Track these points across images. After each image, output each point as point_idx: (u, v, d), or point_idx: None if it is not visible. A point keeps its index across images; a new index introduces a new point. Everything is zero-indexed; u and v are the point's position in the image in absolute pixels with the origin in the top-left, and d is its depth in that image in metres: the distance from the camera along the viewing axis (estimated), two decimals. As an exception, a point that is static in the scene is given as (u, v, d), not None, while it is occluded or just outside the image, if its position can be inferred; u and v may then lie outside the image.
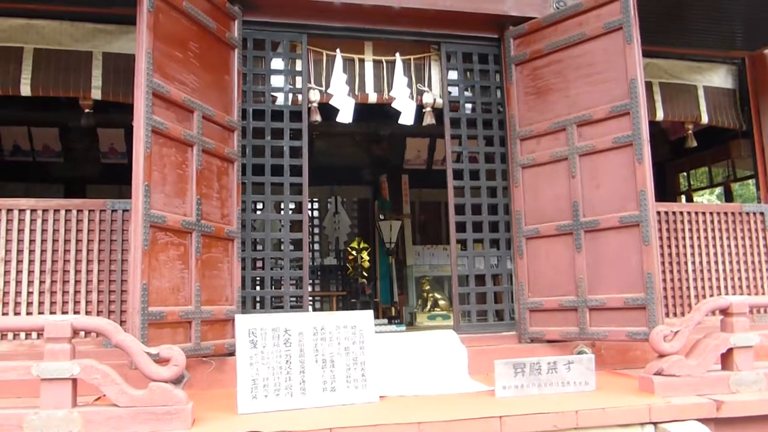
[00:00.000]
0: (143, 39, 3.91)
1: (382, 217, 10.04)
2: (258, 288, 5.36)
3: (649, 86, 5.88)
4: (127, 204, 4.35)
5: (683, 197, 9.80)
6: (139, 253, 3.72)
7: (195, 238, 4.21)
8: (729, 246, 5.86)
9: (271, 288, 5.02)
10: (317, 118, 5.30)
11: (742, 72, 6.26)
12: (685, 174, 9.76)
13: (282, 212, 5.18)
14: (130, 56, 4.41)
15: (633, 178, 4.49)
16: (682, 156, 8.87)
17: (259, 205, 5.36)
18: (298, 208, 5.26)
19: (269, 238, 5.00)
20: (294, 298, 5.12)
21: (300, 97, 5.17)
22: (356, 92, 5.38)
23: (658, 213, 5.44)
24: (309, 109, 5.22)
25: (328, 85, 5.29)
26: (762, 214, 5.97)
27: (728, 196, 9.30)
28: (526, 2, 5.32)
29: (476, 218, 5.38)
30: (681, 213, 5.78)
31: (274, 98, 5.17)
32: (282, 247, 5.08)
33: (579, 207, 4.78)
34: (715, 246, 5.82)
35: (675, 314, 5.55)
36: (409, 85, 5.45)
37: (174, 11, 4.21)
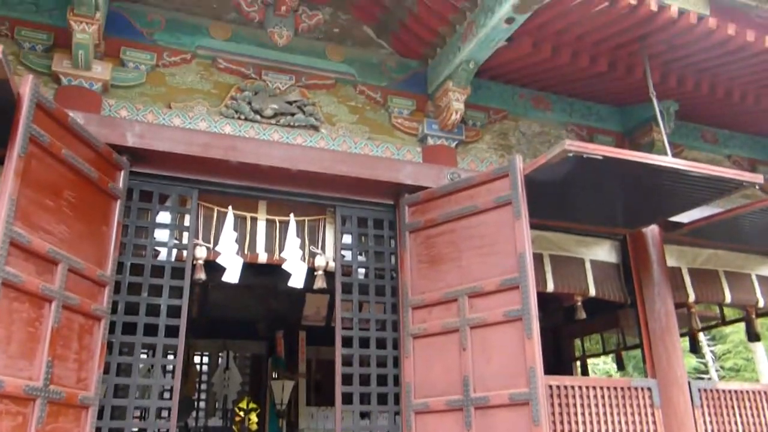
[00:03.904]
0: (9, 184, 3.61)
1: (275, 375, 9.51)
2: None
3: (539, 258, 5.98)
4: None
5: (578, 363, 9.88)
6: (-40, 429, 3.18)
7: (39, 406, 3.67)
8: (620, 422, 5.76)
9: (131, 466, 4.44)
10: (202, 276, 5.00)
11: (625, 248, 6.52)
12: (579, 339, 9.92)
13: (151, 377, 4.70)
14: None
15: (523, 353, 4.40)
16: (575, 322, 9.00)
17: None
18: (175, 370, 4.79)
19: (132, 405, 4.48)
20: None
21: (185, 253, 4.90)
22: (246, 251, 5.19)
23: (550, 387, 5.32)
24: (194, 266, 4.94)
25: (216, 242, 5.08)
26: (650, 389, 5.97)
27: (620, 364, 9.44)
28: (422, 172, 5.46)
29: (364, 389, 5.07)
30: (572, 387, 5.68)
31: (157, 253, 4.88)
32: (147, 416, 4.56)
33: (470, 381, 4.60)
34: (606, 422, 5.70)
35: (567, 497, 5.28)
36: (302, 247, 5.33)
37: (50, 158, 3.97)
